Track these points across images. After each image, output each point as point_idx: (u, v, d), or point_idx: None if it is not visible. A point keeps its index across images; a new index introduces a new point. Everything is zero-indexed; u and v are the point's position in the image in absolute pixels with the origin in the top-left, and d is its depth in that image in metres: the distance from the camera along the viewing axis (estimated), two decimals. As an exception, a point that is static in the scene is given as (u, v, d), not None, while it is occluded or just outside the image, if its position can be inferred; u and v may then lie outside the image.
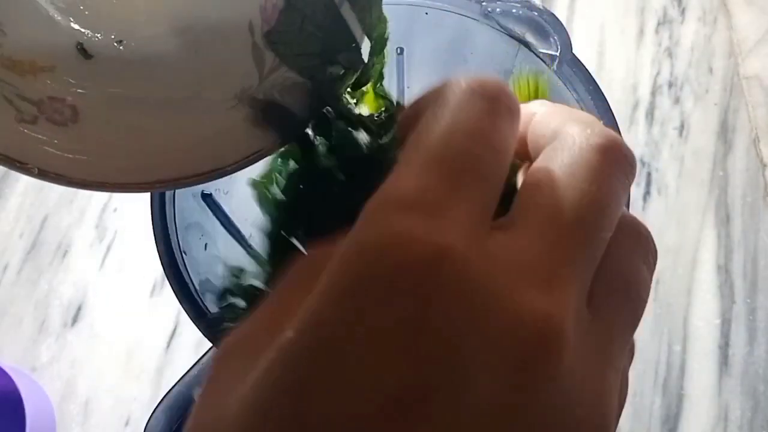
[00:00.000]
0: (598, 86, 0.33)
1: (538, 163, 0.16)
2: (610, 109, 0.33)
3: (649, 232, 0.17)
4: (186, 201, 0.28)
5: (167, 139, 0.20)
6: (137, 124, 0.20)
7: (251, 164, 0.21)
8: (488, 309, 0.13)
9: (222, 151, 0.20)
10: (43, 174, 0.19)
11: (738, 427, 0.43)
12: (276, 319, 0.15)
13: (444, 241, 0.14)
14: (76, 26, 0.20)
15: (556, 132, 0.17)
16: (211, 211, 0.30)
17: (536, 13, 0.30)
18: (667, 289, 0.46)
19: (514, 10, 0.30)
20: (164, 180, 0.20)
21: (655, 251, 0.17)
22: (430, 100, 0.16)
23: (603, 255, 0.16)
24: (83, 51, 0.20)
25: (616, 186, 0.16)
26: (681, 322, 0.46)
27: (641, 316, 0.16)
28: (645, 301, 0.16)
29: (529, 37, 0.30)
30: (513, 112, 0.16)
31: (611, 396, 0.15)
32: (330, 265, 0.14)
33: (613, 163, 0.16)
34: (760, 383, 0.44)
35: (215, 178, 0.20)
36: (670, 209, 0.48)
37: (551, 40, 0.31)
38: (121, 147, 0.20)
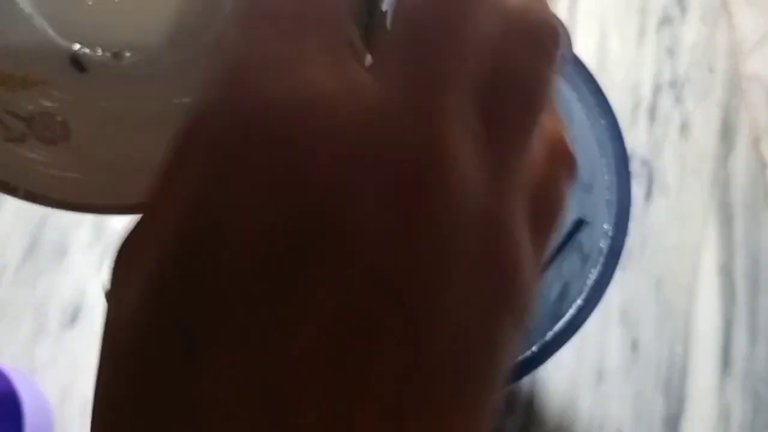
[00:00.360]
0: (599, 86, 0.33)
1: None
2: (612, 109, 0.33)
3: (543, 19, 0.15)
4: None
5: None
6: (130, 143, 0.19)
7: None
8: (363, 148, 0.12)
9: None
10: (30, 196, 0.18)
11: (739, 428, 0.43)
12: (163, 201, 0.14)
13: (302, 82, 0.12)
14: (70, 39, 0.20)
15: None
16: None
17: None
18: (668, 289, 0.46)
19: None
20: None
21: (557, 36, 0.15)
22: None
23: (492, 53, 0.14)
24: (77, 64, 0.20)
25: None
26: (682, 323, 0.45)
27: (536, 119, 0.14)
28: (542, 103, 0.15)
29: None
30: None
31: (513, 218, 0.14)
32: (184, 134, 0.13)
33: None
34: (762, 384, 0.44)
35: None
36: (671, 209, 0.48)
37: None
38: (112, 167, 0.19)
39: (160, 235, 0.13)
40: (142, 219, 0.14)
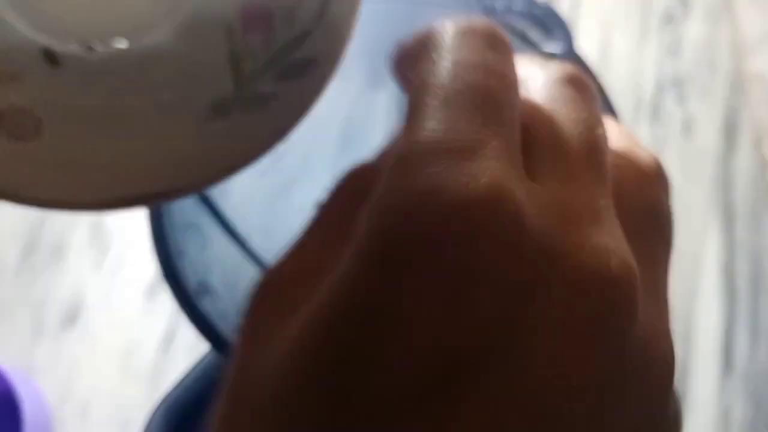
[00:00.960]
0: (601, 84, 0.33)
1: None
2: (614, 108, 0.33)
3: (649, 160, 0.17)
4: (183, 200, 0.27)
5: (135, 155, 0.19)
6: (103, 140, 0.19)
7: (227, 179, 0.19)
8: (549, 255, 0.12)
9: (193, 167, 0.18)
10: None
11: (740, 428, 0.43)
12: (315, 265, 0.14)
13: (492, 181, 0.12)
14: (42, 30, 0.19)
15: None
16: (209, 210, 0.30)
17: (539, 10, 0.30)
18: (669, 289, 0.46)
19: (515, 7, 0.29)
20: (129, 197, 0.18)
21: (662, 176, 0.17)
22: (418, 48, 0.15)
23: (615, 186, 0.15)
24: (51, 57, 0.19)
25: (597, 109, 0.16)
26: (683, 323, 0.45)
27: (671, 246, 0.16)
28: (671, 231, 0.16)
29: (532, 34, 0.30)
30: (508, 45, 0.15)
31: (671, 332, 0.14)
32: (362, 222, 0.13)
33: (585, 90, 0.16)
34: (763, 384, 0.44)
35: (185, 196, 0.18)
36: (673, 209, 0.47)
37: (554, 37, 0.30)
38: (84, 163, 0.18)
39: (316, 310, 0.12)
40: (288, 286, 0.14)
